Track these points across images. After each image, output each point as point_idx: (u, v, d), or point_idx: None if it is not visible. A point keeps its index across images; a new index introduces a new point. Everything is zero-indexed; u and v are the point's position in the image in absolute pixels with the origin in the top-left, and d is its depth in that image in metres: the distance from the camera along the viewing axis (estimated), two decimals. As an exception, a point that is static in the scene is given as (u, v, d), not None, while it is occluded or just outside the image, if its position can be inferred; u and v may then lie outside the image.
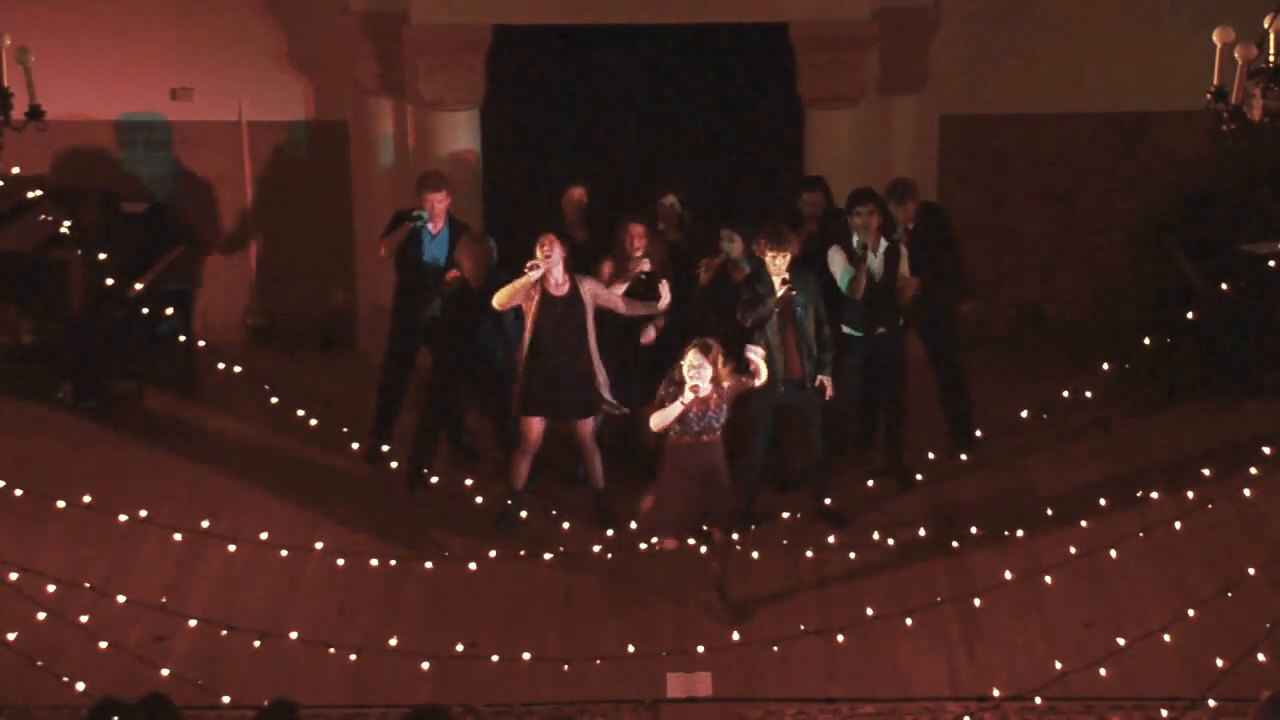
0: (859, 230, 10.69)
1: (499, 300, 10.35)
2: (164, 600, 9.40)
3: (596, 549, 9.68)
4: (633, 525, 9.87)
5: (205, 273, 13.12)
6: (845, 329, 10.82)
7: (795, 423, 10.77)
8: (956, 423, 11.48)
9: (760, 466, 10.69)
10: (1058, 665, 9.03)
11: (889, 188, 11.16)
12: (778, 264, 10.21)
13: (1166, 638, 9.04)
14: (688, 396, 9.39)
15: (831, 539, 10.13)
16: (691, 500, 9.60)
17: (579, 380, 10.46)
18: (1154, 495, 10.10)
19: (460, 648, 9.15)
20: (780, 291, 10.19)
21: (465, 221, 11.36)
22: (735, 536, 9.73)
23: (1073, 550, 9.49)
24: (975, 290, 11.87)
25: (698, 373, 9.39)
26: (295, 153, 12.88)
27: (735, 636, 9.31)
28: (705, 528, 9.66)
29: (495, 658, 9.04)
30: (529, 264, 10.20)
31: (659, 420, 9.53)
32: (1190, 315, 10.84)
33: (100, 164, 12.89)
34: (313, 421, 10.24)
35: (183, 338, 12.57)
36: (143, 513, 9.22)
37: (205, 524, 9.82)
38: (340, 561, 9.72)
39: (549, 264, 10.25)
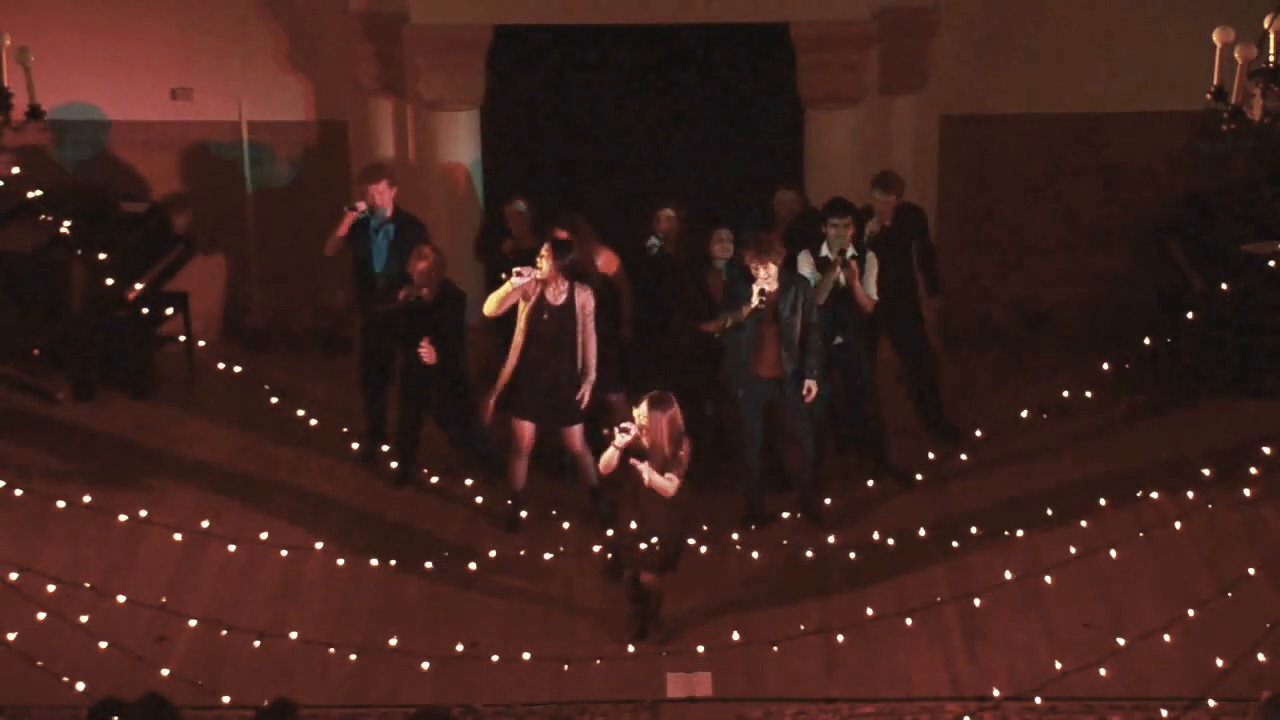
0: (832, 240, 10.72)
1: (489, 308, 10.37)
2: (164, 600, 9.39)
3: (596, 549, 9.67)
4: (633, 525, 9.87)
5: (205, 273, 13.11)
6: None
7: (786, 423, 10.77)
8: (929, 417, 11.55)
9: (758, 469, 10.67)
10: (1058, 665, 9.03)
11: (876, 178, 11.29)
12: (762, 274, 10.21)
13: (1166, 638, 9.04)
14: (619, 439, 9.26)
15: (831, 539, 10.11)
16: (637, 521, 9.52)
17: (566, 389, 10.46)
18: (1154, 495, 10.10)
19: (460, 648, 9.15)
20: (755, 302, 10.18)
21: (411, 212, 11.34)
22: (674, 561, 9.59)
23: (1073, 550, 9.49)
24: (942, 291, 11.99)
25: (648, 421, 9.30)
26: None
27: (735, 636, 9.31)
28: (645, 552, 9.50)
29: (495, 658, 9.04)
30: (516, 269, 10.20)
31: (604, 463, 9.45)
32: (1190, 315, 10.83)
33: (100, 164, 12.89)
34: (313, 421, 10.24)
35: (183, 338, 12.58)
36: (143, 513, 9.22)
37: (205, 524, 9.83)
38: (340, 561, 9.73)
39: (547, 273, 10.24)
